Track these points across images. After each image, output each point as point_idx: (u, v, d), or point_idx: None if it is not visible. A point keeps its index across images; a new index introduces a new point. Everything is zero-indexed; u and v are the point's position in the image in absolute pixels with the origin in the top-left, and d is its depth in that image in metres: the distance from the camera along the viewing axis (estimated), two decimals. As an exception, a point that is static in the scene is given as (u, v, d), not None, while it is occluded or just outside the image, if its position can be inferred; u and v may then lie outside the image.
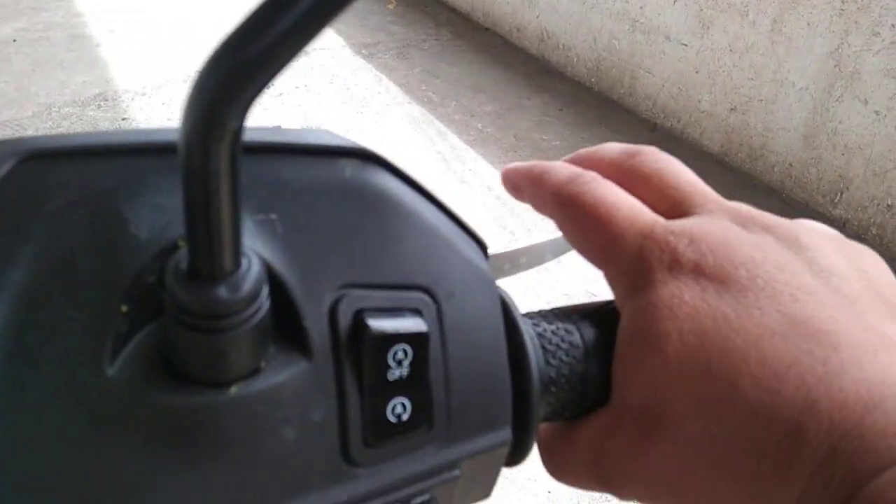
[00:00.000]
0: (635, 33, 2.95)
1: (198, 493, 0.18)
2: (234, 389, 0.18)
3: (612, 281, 0.26)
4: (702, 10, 2.67)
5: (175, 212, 0.19)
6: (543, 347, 0.26)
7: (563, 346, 0.26)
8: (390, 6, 3.93)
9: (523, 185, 0.30)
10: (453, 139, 2.76)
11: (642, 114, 3.00)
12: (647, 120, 2.97)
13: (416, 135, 2.75)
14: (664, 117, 2.91)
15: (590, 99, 3.13)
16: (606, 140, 2.48)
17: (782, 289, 0.23)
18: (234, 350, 0.18)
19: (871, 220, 2.31)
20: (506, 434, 0.23)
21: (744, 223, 0.25)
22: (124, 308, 0.18)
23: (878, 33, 2.16)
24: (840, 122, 2.33)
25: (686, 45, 2.76)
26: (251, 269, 0.17)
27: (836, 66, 2.30)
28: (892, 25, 2.12)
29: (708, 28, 2.66)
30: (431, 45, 3.55)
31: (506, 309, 0.24)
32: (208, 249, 0.16)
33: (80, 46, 3.19)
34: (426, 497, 0.22)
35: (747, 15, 2.52)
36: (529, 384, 0.24)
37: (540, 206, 0.29)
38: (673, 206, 0.27)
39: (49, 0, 3.59)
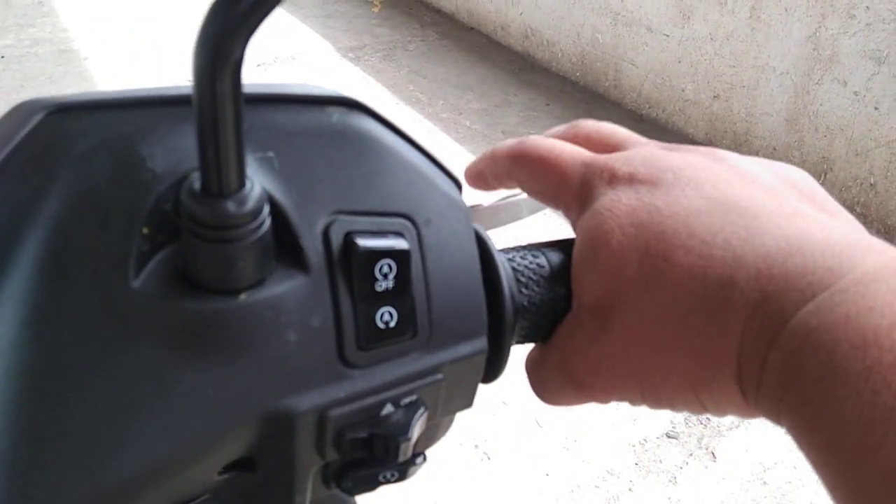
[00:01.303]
0: (618, 26, 2.99)
1: (212, 387, 0.21)
2: (242, 297, 0.21)
3: (568, 211, 0.29)
4: (681, 0, 2.71)
5: (186, 151, 0.22)
6: (516, 277, 0.29)
7: (534, 275, 0.29)
8: (375, 9, 3.96)
9: (482, 169, 0.34)
10: (442, 137, 2.79)
11: (628, 105, 3.04)
12: (633, 111, 3.01)
13: (405, 134, 2.78)
14: (649, 108, 2.95)
15: (575, 93, 3.17)
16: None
17: (704, 181, 0.26)
18: (242, 260, 0.21)
19: (855, 199, 2.35)
20: (482, 343, 0.26)
21: (670, 148, 0.30)
22: (145, 230, 0.21)
23: (854, 15, 2.21)
24: (821, 105, 2.37)
25: (668, 36, 2.80)
26: (254, 189, 0.20)
27: (814, 49, 2.34)
28: (867, 7, 2.16)
29: (688, 18, 2.70)
30: (417, 46, 3.59)
31: (480, 238, 0.28)
32: (217, 168, 0.19)
33: (69, 61, 3.21)
34: (413, 398, 0.25)
35: (726, 3, 2.56)
36: (502, 302, 0.27)
37: (501, 178, 0.33)
38: (611, 150, 0.31)
39: (35, 16, 3.61)
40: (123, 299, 0.21)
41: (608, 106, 3.06)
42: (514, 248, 0.31)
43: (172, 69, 3.10)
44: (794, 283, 0.22)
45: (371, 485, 0.26)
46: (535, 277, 0.29)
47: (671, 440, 1.65)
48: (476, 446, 1.60)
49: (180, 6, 3.72)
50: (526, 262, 0.30)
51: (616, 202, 0.27)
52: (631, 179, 0.27)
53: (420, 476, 1.50)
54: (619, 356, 0.26)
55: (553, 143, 0.31)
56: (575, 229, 0.29)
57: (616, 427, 1.66)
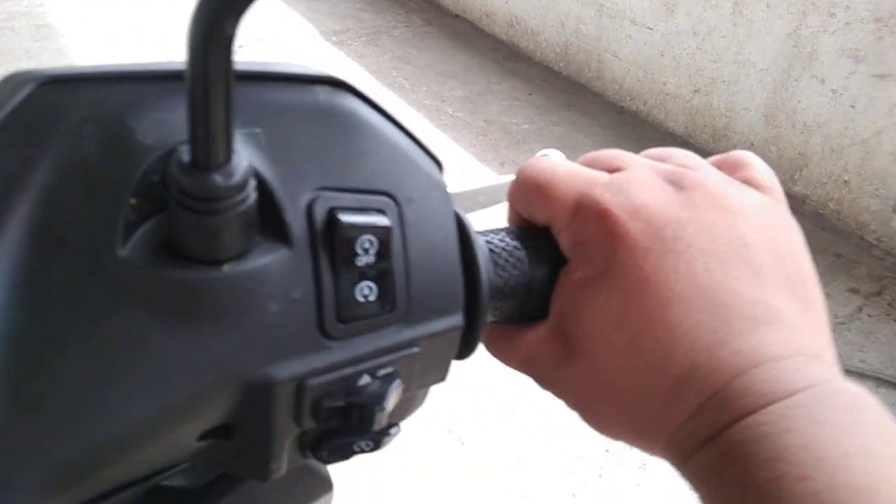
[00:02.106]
0: (602, 18, 3.00)
1: (196, 354, 0.22)
2: (226, 267, 0.22)
3: (559, 235, 0.30)
4: (665, -7, 2.73)
5: (175, 125, 0.23)
6: (494, 260, 0.30)
7: (511, 260, 0.30)
8: (359, -7, 3.93)
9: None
10: (424, 124, 2.79)
11: (609, 97, 3.05)
12: (615, 103, 3.03)
13: (387, 120, 2.77)
14: (630, 100, 2.97)
15: (558, 83, 3.18)
16: (575, 123, 2.50)
17: (699, 256, 0.27)
18: (226, 231, 0.21)
19: (829, 195, 2.39)
20: (458, 320, 0.27)
21: (677, 181, 0.29)
22: (133, 201, 0.22)
23: (834, 14, 2.23)
24: (799, 102, 2.40)
25: (651, 29, 2.82)
26: (241, 162, 0.21)
27: (794, 46, 2.37)
28: (847, 6, 2.19)
29: (672, 12, 2.72)
30: (402, 31, 3.57)
31: (459, 220, 0.28)
32: (206, 141, 0.20)
33: (46, 36, 3.16)
34: (390, 370, 0.26)
35: (709, -2, 2.58)
36: (478, 281, 0.28)
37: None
38: (614, 169, 0.30)
39: (13, -11, 3.54)
40: (110, 267, 0.21)
41: (590, 97, 3.08)
42: (492, 231, 0.32)
43: (151, 46, 3.07)
44: (731, 404, 0.25)
45: (346, 454, 0.27)
46: (511, 260, 0.30)
47: (643, 428, 1.68)
48: (450, 431, 1.61)
49: (162, -17, 3.67)
50: (503, 245, 0.31)
51: (608, 257, 0.27)
52: (625, 228, 0.27)
53: (394, 461, 1.51)
54: (572, 388, 0.29)
55: (552, 168, 0.30)
56: (564, 250, 0.30)
57: (589, 414, 1.68)
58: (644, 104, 2.91)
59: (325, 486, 0.39)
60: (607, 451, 1.60)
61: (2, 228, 0.21)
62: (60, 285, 0.21)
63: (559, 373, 0.29)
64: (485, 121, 2.85)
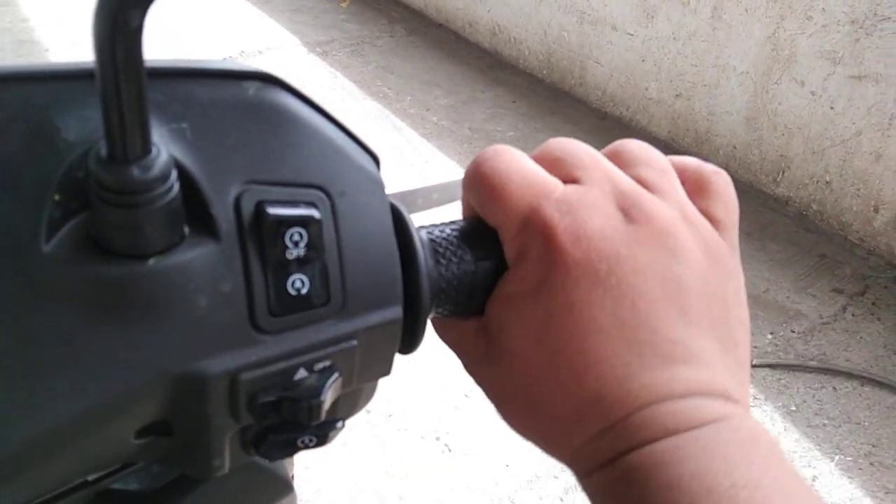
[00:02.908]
0: (583, 25, 3.02)
1: (123, 349, 0.22)
2: (151, 261, 0.22)
3: (504, 242, 0.30)
4: (645, 0, 2.75)
5: (99, 122, 0.23)
6: (436, 253, 0.30)
7: (455, 254, 0.30)
8: (343, 4, 3.95)
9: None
10: (409, 133, 2.80)
11: (593, 103, 3.07)
12: (598, 109, 3.04)
13: (372, 129, 2.78)
14: (613, 106, 2.98)
15: (542, 90, 3.20)
16: (559, 130, 2.51)
17: (627, 293, 0.27)
18: (149, 225, 0.21)
19: (812, 196, 2.40)
20: (397, 312, 0.27)
21: (628, 209, 0.28)
22: (57, 197, 0.22)
23: (811, 17, 2.26)
24: (779, 104, 2.42)
25: (632, 35, 2.84)
26: (160, 155, 0.21)
27: (773, 49, 2.39)
28: (823, 9, 2.21)
29: (652, 17, 2.74)
30: (386, 41, 3.58)
31: (397, 213, 0.28)
32: (121, 133, 0.20)
33: (29, 52, 3.16)
34: (327, 363, 0.26)
35: (688, 3, 2.60)
36: (418, 273, 0.28)
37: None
38: (570, 175, 0.30)
39: (-5, 6, 3.54)
40: (35, 263, 0.21)
41: (573, 104, 3.09)
42: (439, 225, 0.32)
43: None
44: (631, 436, 0.26)
45: (289, 450, 0.27)
46: (455, 254, 0.30)
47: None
48: (437, 438, 1.61)
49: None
50: (447, 239, 0.30)
51: (539, 279, 0.28)
52: (564, 254, 0.27)
53: (382, 469, 1.50)
54: (492, 386, 0.31)
55: (505, 162, 0.29)
56: (508, 258, 0.30)
57: (576, 419, 1.68)
58: (627, 109, 2.93)
59: (285, 488, 0.39)
60: (594, 455, 1.60)
61: None
62: None
63: (481, 367, 0.31)
64: (469, 129, 2.85)
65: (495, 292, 0.30)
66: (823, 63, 2.26)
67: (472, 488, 1.51)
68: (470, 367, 0.32)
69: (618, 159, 0.31)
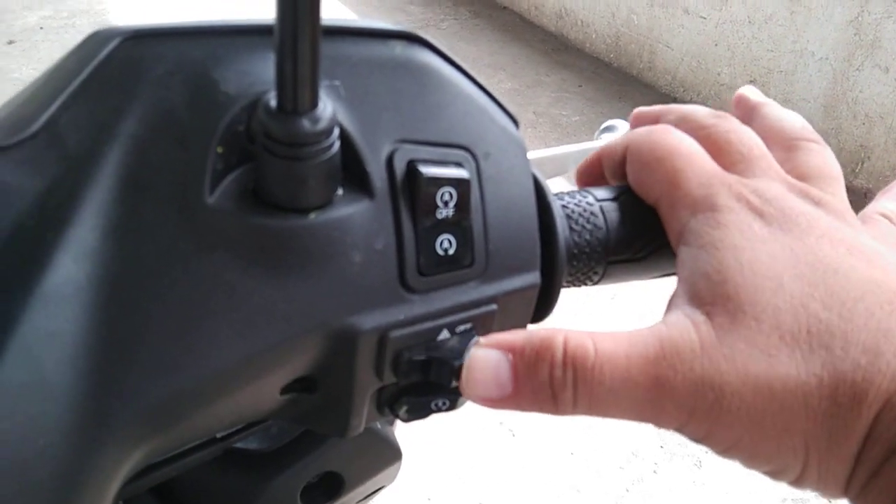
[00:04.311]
0: (654, 8, 2.95)
1: (283, 301, 0.22)
2: (312, 215, 0.22)
3: (676, 204, 0.27)
4: (720, -18, 2.67)
5: (257, 76, 0.23)
6: (569, 218, 0.29)
7: (585, 219, 0.30)
8: (408, -13, 3.95)
9: (642, 121, 0.32)
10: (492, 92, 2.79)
11: (662, 88, 3.00)
12: (667, 94, 2.98)
13: (436, 112, 2.78)
14: (684, 91, 2.91)
15: (608, 74, 3.14)
16: (626, 114, 2.49)
17: (839, 242, 0.25)
18: (312, 178, 0.21)
19: (893, 188, 2.31)
20: (535, 278, 0.27)
21: (798, 191, 0.27)
22: (220, 149, 0.22)
23: (899, 0, 2.16)
24: (860, 92, 2.32)
25: (705, 18, 2.76)
26: (326, 109, 0.21)
27: (856, 34, 2.29)
28: (913, -9, 2.12)
29: (726, 0, 2.66)
30: (450, 24, 3.57)
31: (535, 178, 0.28)
32: (293, 85, 0.20)
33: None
34: (468, 326, 0.25)
35: (766, -15, 2.51)
36: (555, 239, 0.28)
37: (615, 166, 0.31)
38: (735, 163, 0.28)
39: (73, -12, 3.65)
40: (199, 214, 0.22)
41: (641, 88, 3.03)
42: (567, 193, 0.31)
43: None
44: None
45: (423, 412, 0.27)
46: (586, 222, 0.30)
47: (696, 423, 1.65)
48: (501, 423, 1.61)
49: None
50: (579, 207, 0.30)
51: (748, 224, 0.25)
52: (760, 210, 0.25)
53: (444, 453, 1.51)
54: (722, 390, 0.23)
55: (688, 154, 0.27)
56: (678, 227, 0.27)
57: (641, 408, 1.66)
58: (698, 95, 2.85)
59: (396, 454, 0.39)
60: (662, 447, 1.58)
61: (94, 176, 0.21)
62: (150, 231, 0.21)
63: (720, 353, 0.23)
64: (534, 113, 2.83)
65: (688, 255, 0.25)
66: (911, 48, 2.16)
67: (535, 476, 1.51)
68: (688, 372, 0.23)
69: (774, 136, 0.30)
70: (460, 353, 0.25)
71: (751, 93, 0.33)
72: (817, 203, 0.26)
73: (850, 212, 0.27)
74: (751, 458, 0.24)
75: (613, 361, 0.23)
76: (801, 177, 0.28)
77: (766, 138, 0.30)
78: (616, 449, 1.57)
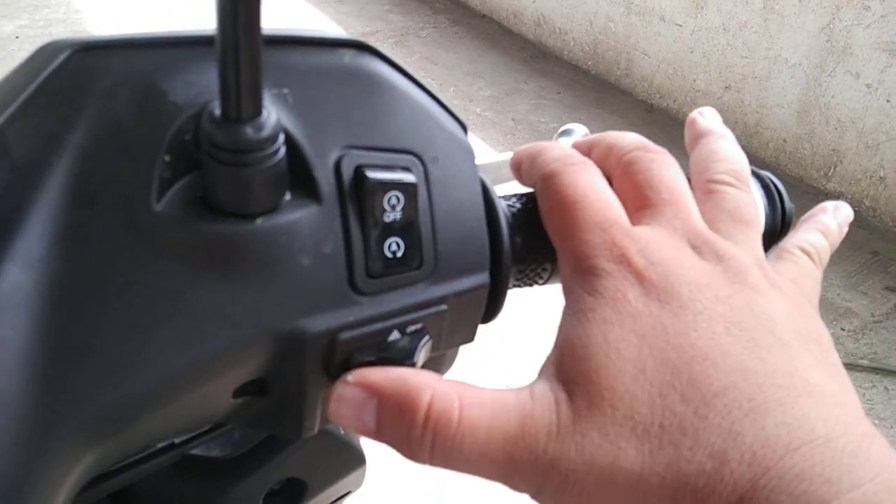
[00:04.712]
0: (630, 15, 2.98)
1: (231, 305, 0.23)
2: (258, 220, 0.22)
3: (562, 258, 0.27)
4: (695, -10, 2.70)
5: (204, 87, 0.23)
6: (515, 219, 0.30)
7: (534, 226, 0.30)
8: (387, -5, 3.96)
9: (522, 162, 0.31)
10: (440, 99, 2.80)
11: (639, 95, 3.03)
12: (644, 101, 3.01)
13: (415, 120, 2.79)
14: (660, 97, 2.94)
15: (586, 81, 3.17)
16: (604, 121, 2.49)
17: (719, 319, 0.24)
18: (258, 184, 0.22)
19: (864, 192, 2.34)
20: (484, 278, 0.27)
21: (699, 247, 0.26)
22: (167, 158, 0.22)
23: (869, 7, 2.19)
24: (833, 97, 2.36)
25: (680, 26, 2.79)
26: (270, 116, 0.21)
27: (827, 41, 2.33)
28: (882, -1, 2.16)
29: (701, 8, 2.69)
30: (429, 32, 3.59)
31: (482, 181, 0.29)
32: (236, 93, 0.20)
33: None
34: (419, 326, 0.26)
35: (740, -7, 2.55)
36: (501, 241, 0.28)
37: (529, 183, 0.31)
38: (642, 207, 0.28)
39: (50, -4, 3.63)
40: (147, 221, 0.22)
41: (619, 95, 3.06)
42: (510, 195, 0.32)
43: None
44: (789, 486, 0.20)
45: None
46: (531, 223, 0.30)
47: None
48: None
49: (193, -11, 3.73)
50: (525, 209, 0.31)
51: (621, 294, 0.24)
52: (641, 276, 0.25)
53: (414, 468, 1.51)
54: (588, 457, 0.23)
55: (584, 178, 0.27)
56: (564, 281, 0.27)
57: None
58: (674, 101, 2.89)
59: (359, 459, 0.39)
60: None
61: (43, 186, 0.22)
62: (99, 240, 0.22)
63: (574, 434, 0.23)
64: (513, 119, 2.84)
65: (566, 323, 0.25)
66: (881, 55, 2.20)
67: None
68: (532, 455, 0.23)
69: (707, 181, 0.29)
70: (411, 353, 0.25)
71: (701, 118, 0.32)
72: (719, 258, 0.26)
73: (760, 261, 0.27)
74: None
75: (474, 434, 0.23)
76: (713, 222, 0.27)
77: (694, 173, 0.30)
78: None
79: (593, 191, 0.27)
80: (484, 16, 3.77)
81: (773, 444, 0.21)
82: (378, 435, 0.24)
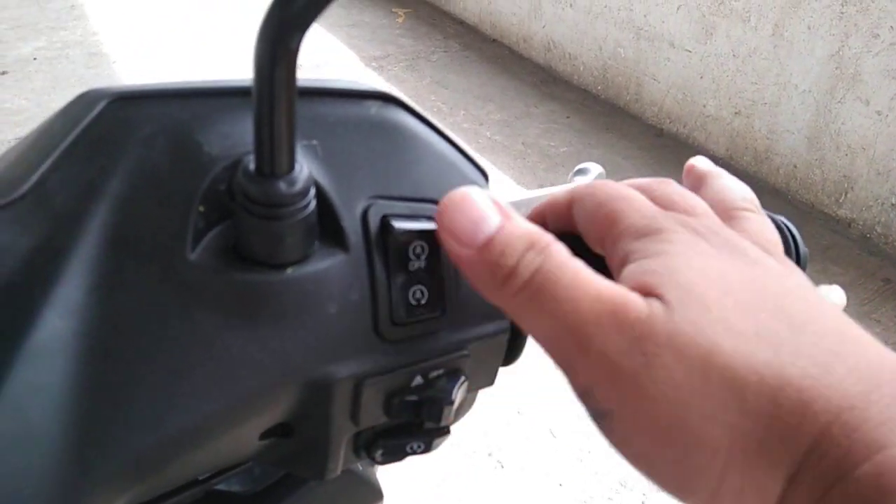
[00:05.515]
0: (640, 41, 3.00)
1: (261, 352, 0.23)
2: (289, 270, 0.23)
3: (616, 240, 0.26)
4: (704, 16, 2.72)
5: (238, 138, 0.24)
6: None
7: None
8: (399, 20, 4.00)
9: (542, 211, 0.32)
10: (463, 147, 2.81)
11: (648, 119, 3.04)
12: (654, 126, 3.02)
13: (426, 143, 2.80)
14: (670, 122, 2.96)
15: (596, 106, 3.18)
16: (614, 146, 2.49)
17: (787, 276, 0.24)
18: (289, 236, 0.23)
19: (876, 218, 2.34)
20: (505, 323, 0.28)
21: (732, 246, 0.26)
22: (201, 208, 0.23)
23: (878, 35, 2.20)
24: (843, 124, 2.36)
25: (690, 52, 2.81)
26: (302, 171, 0.22)
27: (837, 68, 2.34)
28: (891, 27, 2.16)
29: (711, 34, 2.71)
30: (440, 56, 3.62)
31: None
32: (270, 150, 0.21)
33: (98, 64, 3.28)
34: (441, 371, 0.26)
35: (749, 20, 2.56)
36: None
37: (562, 219, 0.30)
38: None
39: (67, 19, 3.68)
40: (181, 270, 0.23)
41: (629, 120, 3.07)
42: None
43: (200, 72, 3.15)
44: (876, 418, 0.20)
45: (398, 455, 0.28)
46: None
47: (684, 453, 1.64)
48: (490, 454, 1.61)
49: (207, 13, 3.78)
50: None
51: (695, 242, 0.25)
52: (708, 237, 0.25)
53: (433, 483, 1.51)
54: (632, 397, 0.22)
55: (618, 188, 0.28)
56: (624, 258, 0.26)
57: (629, 439, 1.66)
58: (684, 126, 2.90)
59: (376, 495, 0.40)
60: (648, 476, 1.58)
61: (81, 234, 0.22)
62: (134, 288, 0.22)
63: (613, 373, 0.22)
64: (523, 144, 2.86)
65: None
66: (890, 82, 2.20)
67: (523, 505, 1.51)
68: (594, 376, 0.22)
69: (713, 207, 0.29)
70: (450, 391, 0.26)
71: (699, 162, 0.33)
72: (740, 256, 0.26)
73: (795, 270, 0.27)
74: (658, 448, 0.22)
75: (582, 274, 0.23)
76: None
77: (710, 206, 0.30)
78: (605, 480, 1.57)
79: (634, 192, 0.27)
80: (494, 40, 3.80)
81: (879, 365, 0.21)
82: (485, 247, 0.24)
